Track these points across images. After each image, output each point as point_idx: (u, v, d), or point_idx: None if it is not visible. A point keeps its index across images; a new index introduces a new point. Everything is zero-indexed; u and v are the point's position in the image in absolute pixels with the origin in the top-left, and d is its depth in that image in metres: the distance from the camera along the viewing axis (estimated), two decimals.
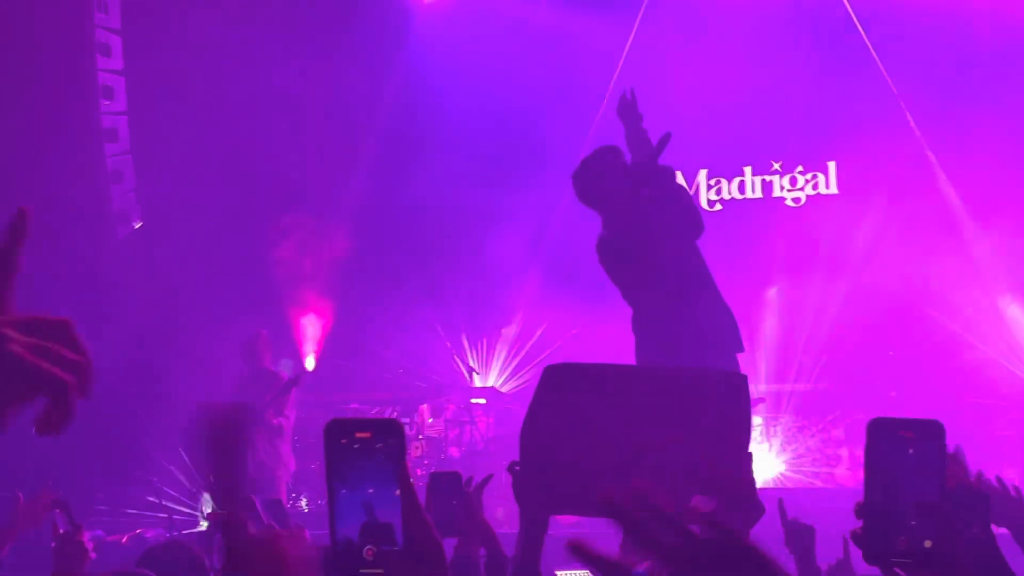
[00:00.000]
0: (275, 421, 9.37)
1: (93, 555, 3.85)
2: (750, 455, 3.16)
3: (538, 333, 14.24)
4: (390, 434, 1.51)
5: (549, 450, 3.19)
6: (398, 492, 1.50)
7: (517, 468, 3.15)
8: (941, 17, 12.97)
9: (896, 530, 1.59)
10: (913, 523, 1.58)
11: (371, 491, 1.50)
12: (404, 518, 1.49)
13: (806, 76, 13.79)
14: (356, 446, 1.50)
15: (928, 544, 1.58)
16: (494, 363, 14.60)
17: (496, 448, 13.10)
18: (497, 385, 14.32)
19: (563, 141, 13.88)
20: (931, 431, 1.62)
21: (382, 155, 14.08)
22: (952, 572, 1.58)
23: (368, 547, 1.49)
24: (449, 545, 2.90)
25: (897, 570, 1.62)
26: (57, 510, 3.92)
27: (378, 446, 1.50)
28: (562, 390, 3.29)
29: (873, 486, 1.61)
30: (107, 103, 12.07)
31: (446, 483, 2.92)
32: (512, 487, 3.18)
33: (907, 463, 1.60)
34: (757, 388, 11.95)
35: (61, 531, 3.85)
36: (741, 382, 3.29)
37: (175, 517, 10.17)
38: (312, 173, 13.80)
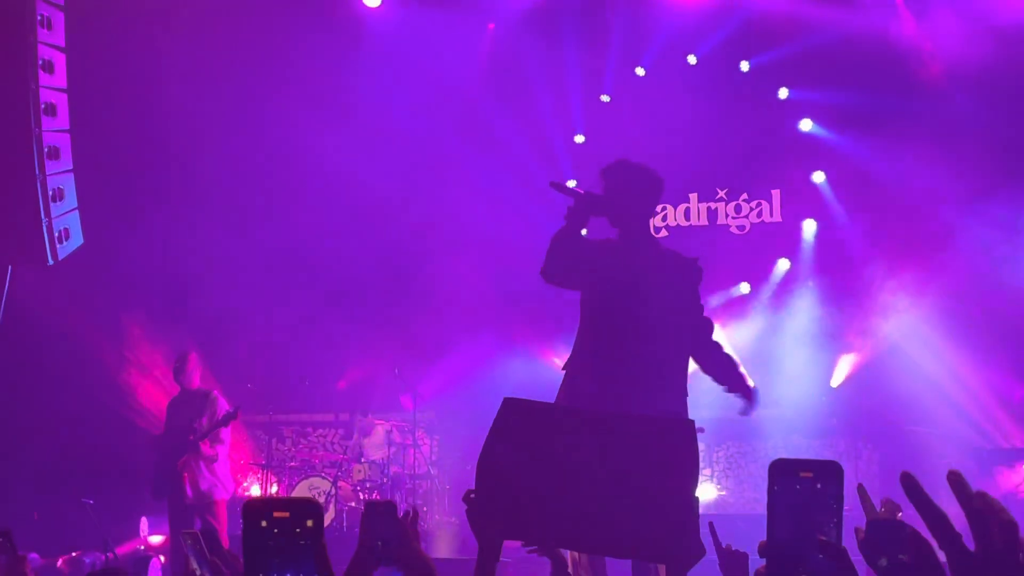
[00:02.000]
0: (210, 452, 9.27)
1: None
2: (696, 499, 3.25)
3: (480, 359, 14.25)
4: (308, 515, 1.50)
5: (505, 479, 3.27)
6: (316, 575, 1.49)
7: (473, 496, 3.22)
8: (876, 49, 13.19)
9: (798, 568, 1.63)
10: (814, 561, 1.62)
11: (292, 571, 1.48)
12: None
13: (751, 106, 13.95)
14: (275, 529, 1.49)
15: None
16: (438, 386, 14.55)
17: (439, 471, 13.09)
18: (440, 408, 14.27)
19: (511, 164, 13.95)
20: (830, 471, 1.67)
21: (323, 172, 14.01)
22: None
23: None
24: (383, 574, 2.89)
25: None
26: (0, 540, 3.83)
27: (296, 528, 1.49)
28: (519, 423, 3.38)
29: (775, 525, 1.64)
30: (49, 120, 11.92)
31: (381, 512, 2.90)
32: (467, 514, 3.24)
33: (807, 502, 1.64)
34: (698, 414, 11.96)
35: (4, 561, 3.78)
36: (688, 429, 3.37)
37: (110, 539, 10.02)
38: (257, 193, 13.73)
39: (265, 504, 1.50)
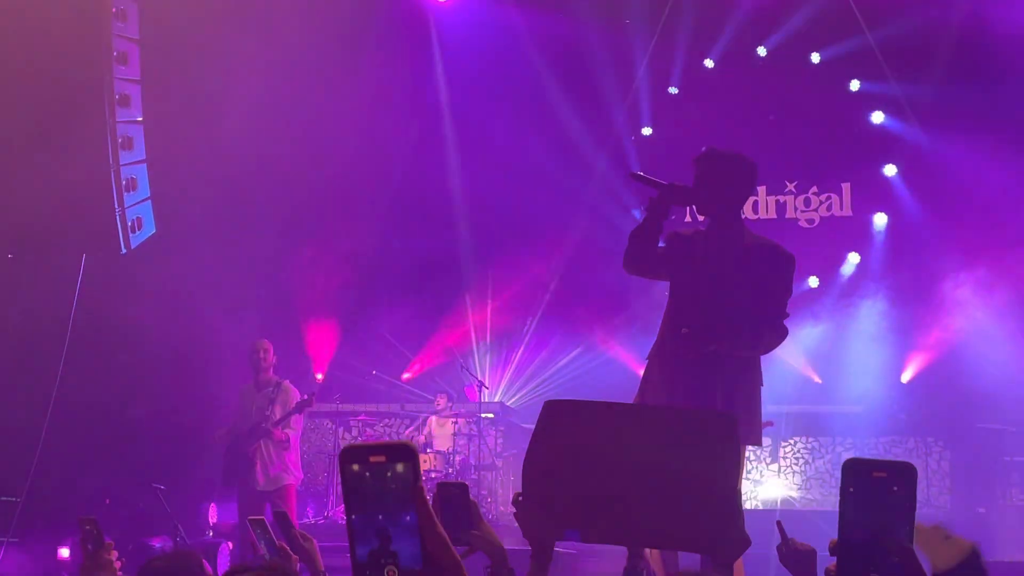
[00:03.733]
0: (281, 436, 9.38)
1: (120, 575, 3.89)
2: (738, 491, 3.26)
3: (545, 351, 14.27)
4: (404, 457, 1.52)
5: (550, 480, 3.32)
6: (413, 513, 1.51)
7: (521, 498, 3.26)
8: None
9: (867, 567, 1.63)
10: (884, 561, 1.62)
11: (387, 514, 1.52)
12: (422, 538, 1.51)
13: (822, 99, 13.79)
14: (369, 472, 1.52)
15: None
16: (503, 378, 14.60)
17: (504, 462, 13.12)
18: (506, 400, 14.31)
19: (577, 156, 13.92)
20: (904, 473, 1.65)
21: (389, 167, 14.07)
22: None
23: (389, 568, 1.51)
24: None
25: None
26: (87, 527, 3.94)
27: (391, 471, 1.52)
28: (561, 425, 3.43)
29: (847, 524, 1.65)
30: (123, 111, 12.10)
31: (453, 493, 2.94)
32: (515, 516, 3.29)
33: (880, 503, 1.64)
34: (766, 409, 11.87)
35: (90, 548, 3.89)
36: (731, 423, 3.38)
37: (180, 525, 10.16)
38: (326, 186, 13.81)
39: (361, 450, 1.53)
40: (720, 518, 3.19)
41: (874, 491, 1.65)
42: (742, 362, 5.25)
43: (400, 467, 1.52)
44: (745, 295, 5.27)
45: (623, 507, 3.30)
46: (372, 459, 1.52)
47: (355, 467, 1.52)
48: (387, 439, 13.28)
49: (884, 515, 1.64)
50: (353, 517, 1.52)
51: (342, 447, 1.57)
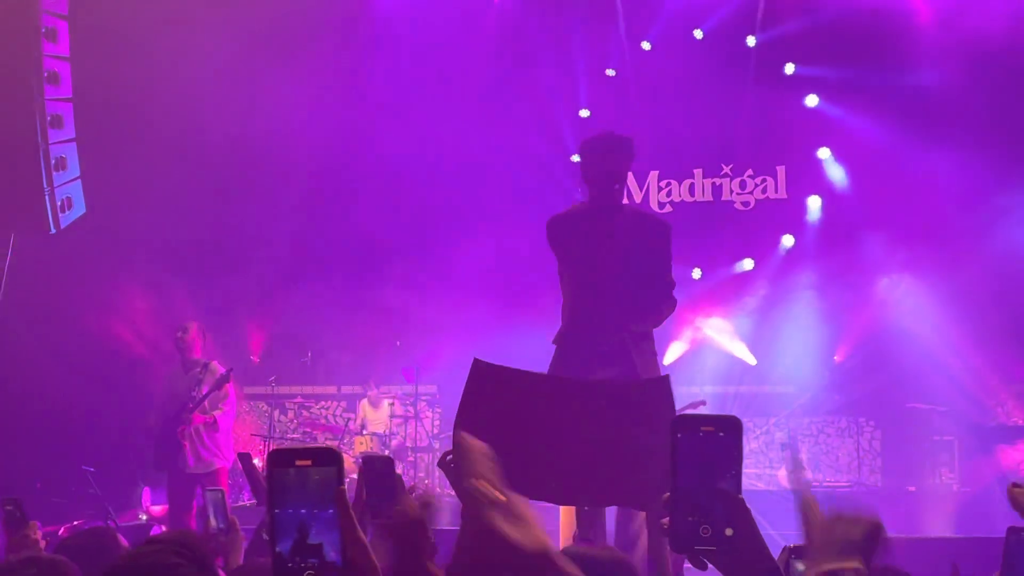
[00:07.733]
0: (208, 417, 9.24)
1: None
2: None
3: (482, 332, 14.25)
4: (329, 462, 1.56)
5: (481, 439, 3.31)
6: (333, 511, 1.54)
7: (450, 458, 3.26)
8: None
9: (700, 519, 1.68)
10: (715, 513, 1.68)
11: (308, 511, 1.54)
12: (342, 537, 1.53)
13: (757, 82, 13.87)
14: (294, 472, 1.55)
15: (730, 532, 1.67)
16: (440, 360, 14.57)
17: (441, 444, 13.11)
18: (442, 382, 14.29)
19: (515, 139, 13.89)
20: (730, 426, 1.73)
21: (324, 148, 13.95)
22: (752, 559, 1.67)
23: (311, 562, 1.53)
24: None
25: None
26: (9, 508, 3.90)
27: (317, 473, 1.55)
28: (492, 384, 3.43)
29: (678, 479, 1.70)
30: (52, 89, 11.89)
31: (378, 466, 2.93)
32: (447, 476, 3.29)
33: (708, 456, 1.70)
34: (701, 389, 12.07)
35: (13, 529, 3.85)
36: (664, 385, 3.41)
37: (112, 508, 10.05)
38: (260, 167, 13.66)
39: (288, 453, 1.56)
40: (656, 476, 3.22)
41: (701, 445, 1.70)
42: (640, 335, 5.38)
43: (325, 469, 1.55)
44: (635, 272, 5.39)
45: (558, 467, 3.31)
46: (299, 462, 1.55)
47: (281, 468, 1.55)
48: (317, 440, 13.26)
49: (712, 468, 1.69)
50: (276, 511, 1.54)
51: (270, 451, 1.58)
